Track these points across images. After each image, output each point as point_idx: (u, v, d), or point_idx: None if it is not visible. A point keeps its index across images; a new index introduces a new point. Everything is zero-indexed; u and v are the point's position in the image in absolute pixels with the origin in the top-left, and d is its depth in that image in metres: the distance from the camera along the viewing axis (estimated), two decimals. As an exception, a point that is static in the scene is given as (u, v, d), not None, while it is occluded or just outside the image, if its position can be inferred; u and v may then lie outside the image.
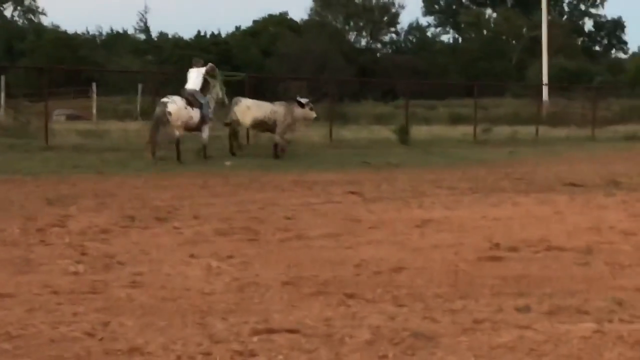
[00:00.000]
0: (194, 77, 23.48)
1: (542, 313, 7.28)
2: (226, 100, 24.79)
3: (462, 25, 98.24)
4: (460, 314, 7.28)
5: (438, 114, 53.45)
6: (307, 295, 7.99)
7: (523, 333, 6.63)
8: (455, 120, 44.50)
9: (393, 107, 52.85)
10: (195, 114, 23.02)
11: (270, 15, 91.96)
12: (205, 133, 23.70)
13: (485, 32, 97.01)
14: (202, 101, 23.31)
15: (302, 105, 25.17)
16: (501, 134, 35.07)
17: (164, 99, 22.69)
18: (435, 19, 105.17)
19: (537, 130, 37.62)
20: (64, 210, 13.41)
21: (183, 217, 12.96)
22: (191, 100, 23.03)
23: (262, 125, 24.61)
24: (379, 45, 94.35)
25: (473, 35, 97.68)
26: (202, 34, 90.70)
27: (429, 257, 9.98)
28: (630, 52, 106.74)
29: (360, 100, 61.96)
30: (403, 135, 31.07)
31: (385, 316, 7.16)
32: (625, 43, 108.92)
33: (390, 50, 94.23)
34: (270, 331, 6.63)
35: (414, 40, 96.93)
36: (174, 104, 22.48)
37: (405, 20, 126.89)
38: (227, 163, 22.86)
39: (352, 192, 16.74)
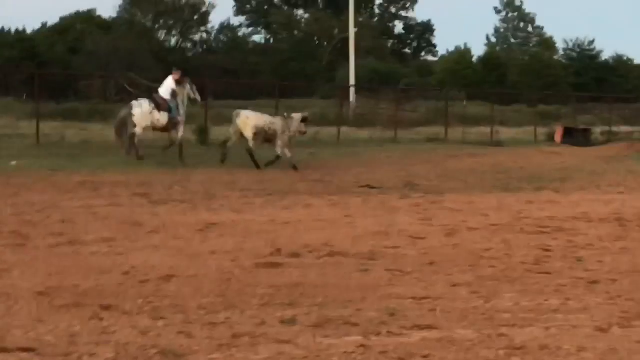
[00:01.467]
0: (167, 85, 24.90)
1: (308, 326, 6.83)
2: (198, 98, 26.50)
3: (274, 26, 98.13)
4: (220, 327, 6.74)
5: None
6: (60, 307, 7.32)
7: (282, 349, 6.14)
8: (264, 121, 44.02)
9: (202, 107, 51.98)
10: (163, 117, 24.36)
11: (78, 12, 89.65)
12: (179, 133, 25.00)
13: (296, 32, 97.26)
14: (172, 105, 24.61)
15: (305, 119, 25.58)
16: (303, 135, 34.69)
17: (133, 102, 24.36)
18: (247, 19, 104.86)
19: (339, 132, 37.61)
20: None
21: (-53, 222, 12.00)
22: (161, 103, 24.38)
23: (262, 135, 24.60)
24: (189, 45, 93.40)
25: (285, 35, 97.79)
26: (7, 30, 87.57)
27: (204, 264, 9.43)
28: (439, 55, 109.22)
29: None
30: (202, 135, 30.42)
31: (137, 331, 6.57)
32: (435, 46, 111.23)
33: (201, 50, 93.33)
34: (3, 350, 5.93)
35: (226, 40, 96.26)
36: (139, 109, 24.00)
37: (216, 19, 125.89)
38: (12, 163, 21.82)
39: (139, 194, 16.03)
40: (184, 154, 24.97)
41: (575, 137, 41.63)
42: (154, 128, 24.70)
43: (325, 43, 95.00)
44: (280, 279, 8.67)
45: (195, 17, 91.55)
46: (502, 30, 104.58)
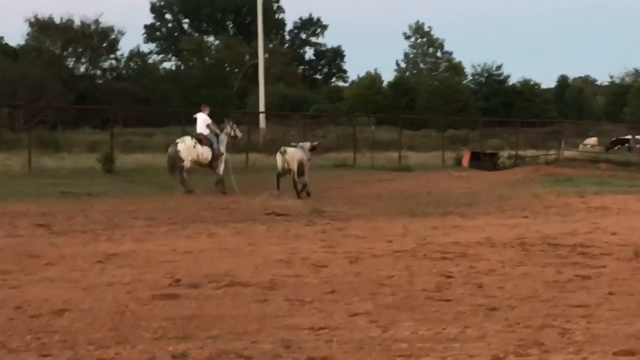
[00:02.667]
0: (201, 122, 26.37)
1: (200, 360, 6.66)
2: (239, 134, 28.16)
3: (184, 53, 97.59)
4: (106, 364, 6.54)
5: (155, 141, 52.48)
6: (-56, 346, 7.03)
7: (171, 385, 5.96)
8: (172, 148, 43.59)
9: (108, 135, 51.44)
10: (205, 151, 25.69)
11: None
12: (221, 167, 26.04)
13: (207, 59, 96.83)
14: (212, 140, 26.02)
15: (314, 148, 27.66)
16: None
17: (177, 140, 25.79)
18: (157, 46, 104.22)
19: (247, 158, 37.48)
20: None
21: None
22: (202, 139, 25.84)
23: (301, 168, 25.96)
24: (98, 72, 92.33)
25: (195, 62, 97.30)
26: None
27: (99, 296, 9.21)
28: (349, 80, 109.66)
29: (78, 127, 60.20)
30: (108, 163, 29.98)
31: (22, 370, 6.33)
32: (345, 72, 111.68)
33: (110, 77, 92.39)
34: None
35: (135, 67, 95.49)
36: (183, 143, 25.42)
37: (126, 46, 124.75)
38: None
39: (40, 225, 15.67)
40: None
41: (483, 161, 42.05)
42: (200, 163, 25.91)
43: (236, 69, 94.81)
44: (176, 311, 8.49)
45: (105, 44, 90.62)
46: (411, 55, 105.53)
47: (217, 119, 28.48)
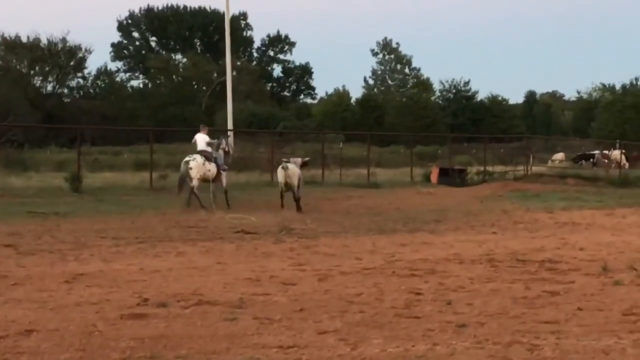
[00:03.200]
0: (202, 141, 27.32)
1: (168, 381, 6.61)
2: (231, 150, 29.42)
3: (152, 71, 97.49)
4: (73, 386, 6.48)
5: (123, 160, 52.33)
6: None
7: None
8: (140, 166, 43.42)
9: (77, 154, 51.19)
10: (212, 167, 26.62)
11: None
12: (224, 181, 27.19)
13: (175, 77, 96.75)
14: (216, 156, 27.08)
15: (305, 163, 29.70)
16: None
17: (187, 158, 26.30)
18: (124, 64, 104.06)
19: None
20: None
21: None
22: (207, 156, 26.68)
23: (299, 182, 27.42)
24: (65, 91, 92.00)
25: (163, 80, 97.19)
26: None
27: (67, 316, 9.15)
28: (318, 97, 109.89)
29: (45, 146, 59.92)
30: (75, 182, 29.75)
31: (-14, 393, 6.25)
32: (313, 88, 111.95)
33: (78, 96, 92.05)
34: None
35: (103, 85, 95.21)
36: (195, 161, 26.07)
37: (93, 64, 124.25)
38: None
39: (7, 245, 15.55)
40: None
41: (451, 177, 42.13)
42: (205, 179, 26.40)
43: (204, 87, 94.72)
44: (144, 331, 8.44)
45: (72, 63, 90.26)
46: (379, 72, 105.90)
47: (189, 136, 29.25)
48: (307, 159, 31.01)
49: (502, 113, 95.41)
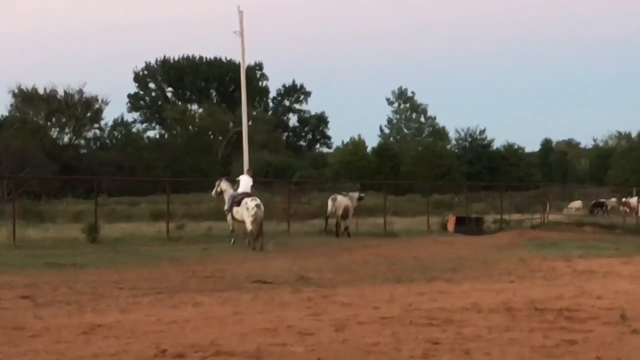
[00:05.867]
0: (248, 182, 30.37)
1: None
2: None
3: (168, 121, 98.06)
4: None
5: (140, 210, 52.47)
6: None
7: None
8: (157, 216, 43.55)
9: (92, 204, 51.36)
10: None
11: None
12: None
13: (191, 127, 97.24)
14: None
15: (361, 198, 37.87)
16: (195, 231, 34.59)
17: (255, 202, 28.75)
18: (140, 115, 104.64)
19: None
20: None
21: None
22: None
23: (345, 212, 35.26)
24: (82, 142, 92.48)
25: (179, 130, 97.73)
26: None
27: (85, 368, 9.13)
28: (333, 146, 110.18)
29: (62, 197, 60.14)
30: (92, 233, 29.86)
31: None
32: (329, 138, 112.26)
33: (94, 147, 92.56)
34: None
35: (119, 136, 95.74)
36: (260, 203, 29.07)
37: (109, 115, 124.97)
38: None
39: (24, 297, 15.56)
40: None
41: (468, 225, 42.05)
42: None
43: (220, 137, 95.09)
44: (163, 382, 8.43)
45: (88, 114, 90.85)
46: (394, 121, 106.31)
47: (205, 187, 30.15)
48: (362, 194, 38.54)
49: (518, 161, 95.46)
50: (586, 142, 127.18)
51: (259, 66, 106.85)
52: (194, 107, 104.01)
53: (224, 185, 32.04)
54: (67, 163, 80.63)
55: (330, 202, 34.49)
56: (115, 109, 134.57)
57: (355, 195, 36.53)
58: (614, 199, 59.55)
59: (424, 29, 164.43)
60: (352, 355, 9.89)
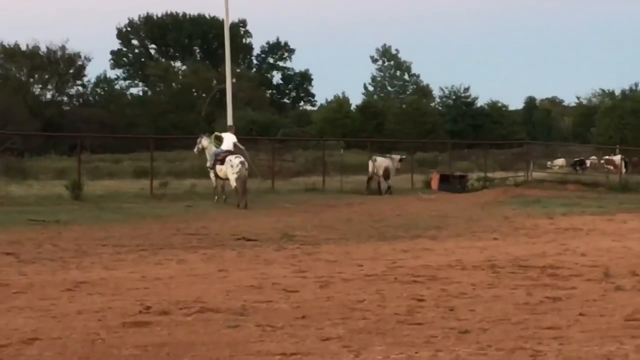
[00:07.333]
0: (231, 139, 30.55)
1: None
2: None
3: (151, 78, 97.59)
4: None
5: (123, 167, 52.37)
6: None
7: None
8: (140, 174, 43.41)
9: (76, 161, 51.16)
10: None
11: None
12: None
13: (174, 84, 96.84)
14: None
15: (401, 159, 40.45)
16: (179, 188, 34.49)
17: (238, 160, 29.05)
18: (123, 72, 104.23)
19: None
20: None
21: None
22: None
23: (386, 173, 37.58)
24: (65, 99, 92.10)
25: (162, 88, 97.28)
26: None
27: (69, 325, 9.12)
28: (317, 104, 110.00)
29: (45, 154, 59.97)
30: (75, 190, 29.73)
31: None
32: (313, 95, 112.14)
33: (77, 103, 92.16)
34: None
35: (102, 93, 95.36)
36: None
37: (92, 72, 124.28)
38: None
39: (8, 253, 15.52)
40: None
41: (452, 183, 42.11)
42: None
43: (204, 94, 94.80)
44: (147, 339, 8.43)
45: (71, 71, 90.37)
46: (379, 78, 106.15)
47: (188, 144, 30.19)
48: (404, 156, 41.44)
49: (502, 119, 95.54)
50: (570, 100, 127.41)
51: (243, 23, 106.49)
52: (178, 64, 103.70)
53: (205, 142, 31.84)
54: (50, 120, 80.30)
55: (370, 164, 37.04)
56: (98, 66, 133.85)
57: (397, 157, 39.11)
58: (594, 157, 59.74)
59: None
60: (337, 312, 9.90)
